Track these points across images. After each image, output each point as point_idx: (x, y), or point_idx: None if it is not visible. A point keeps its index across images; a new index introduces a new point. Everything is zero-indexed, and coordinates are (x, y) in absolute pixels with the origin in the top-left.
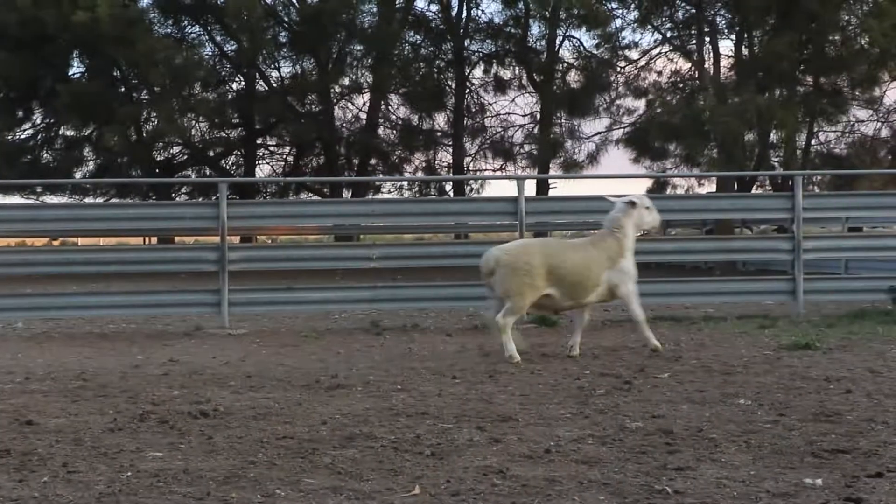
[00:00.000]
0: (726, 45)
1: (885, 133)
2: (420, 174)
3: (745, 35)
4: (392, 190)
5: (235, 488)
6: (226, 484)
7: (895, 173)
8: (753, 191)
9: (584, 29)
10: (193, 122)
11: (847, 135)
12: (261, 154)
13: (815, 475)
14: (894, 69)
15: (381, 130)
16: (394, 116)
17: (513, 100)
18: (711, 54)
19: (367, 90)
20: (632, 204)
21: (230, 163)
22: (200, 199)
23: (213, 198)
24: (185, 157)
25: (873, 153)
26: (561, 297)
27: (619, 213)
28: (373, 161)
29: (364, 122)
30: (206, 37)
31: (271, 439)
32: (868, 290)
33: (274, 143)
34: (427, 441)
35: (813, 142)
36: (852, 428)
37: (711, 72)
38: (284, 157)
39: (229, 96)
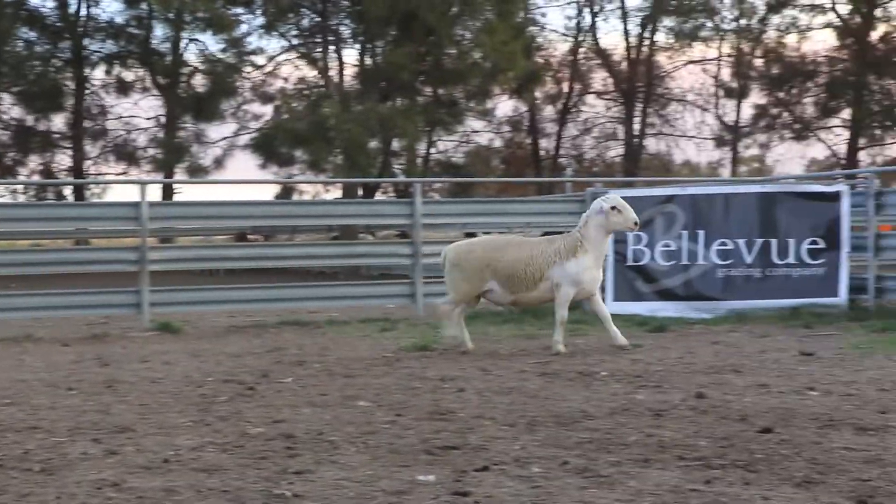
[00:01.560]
0: (351, 55)
1: (497, 143)
2: (36, 177)
3: (369, 45)
4: (5, 194)
5: None
6: None
7: (508, 181)
8: (377, 197)
9: (209, 33)
10: None
11: (464, 144)
12: None
13: (428, 472)
14: (505, 83)
15: None
16: (6, 116)
17: (136, 102)
18: (337, 63)
19: None
20: (599, 206)
21: None
22: None
23: None
24: None
25: (487, 162)
26: (502, 292)
27: (586, 213)
28: None
29: None
30: None
31: None
32: None
33: None
34: (37, 456)
35: (432, 150)
36: (463, 425)
37: (336, 80)
38: None
39: None
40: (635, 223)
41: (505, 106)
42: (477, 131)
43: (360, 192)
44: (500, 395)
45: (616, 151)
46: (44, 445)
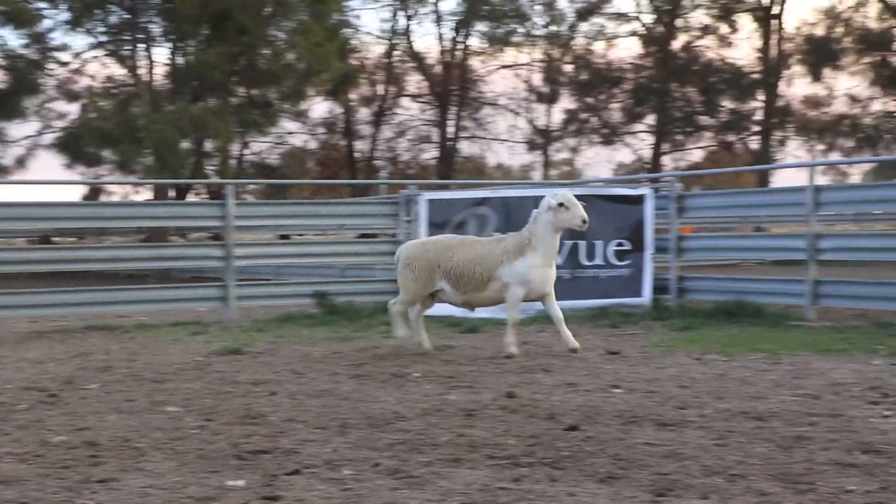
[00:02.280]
0: (161, 53)
1: (312, 145)
2: None
3: (180, 44)
4: None
5: None
6: None
7: (323, 183)
8: (189, 199)
9: (10, 27)
10: None
11: (278, 146)
12: None
13: (238, 476)
14: (320, 84)
15: None
16: None
17: None
18: (147, 61)
19: None
20: (547, 203)
21: None
22: None
23: None
24: None
25: (302, 163)
26: (453, 292)
27: (535, 210)
28: None
29: None
30: None
31: None
32: (296, 295)
33: None
34: None
35: (246, 151)
36: (275, 429)
37: (146, 78)
38: None
39: None
40: (584, 220)
41: (320, 108)
42: (292, 133)
43: (172, 193)
44: (313, 398)
45: (431, 154)
46: None
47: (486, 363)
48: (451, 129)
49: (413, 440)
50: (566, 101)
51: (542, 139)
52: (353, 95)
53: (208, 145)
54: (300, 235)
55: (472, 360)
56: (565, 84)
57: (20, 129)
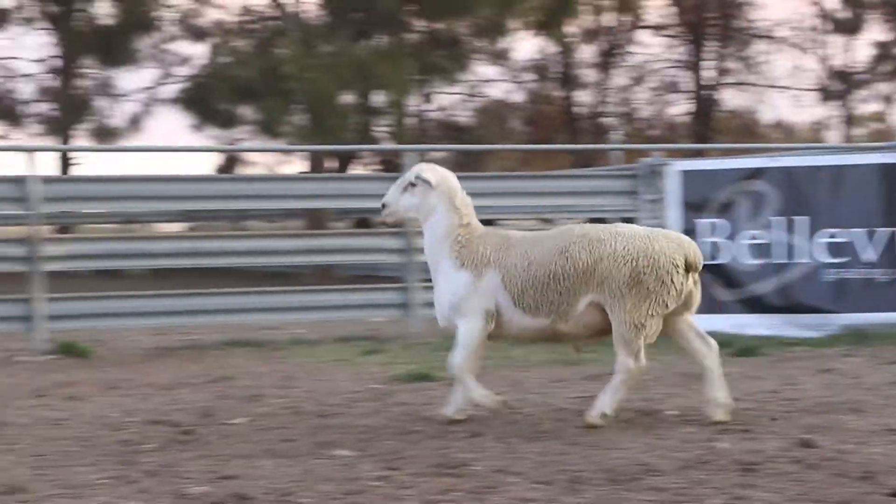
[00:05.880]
0: None
1: (518, 97)
2: None
3: None
4: None
5: None
6: None
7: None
8: (354, 171)
9: None
10: None
11: (471, 98)
12: None
13: None
14: (525, 14)
15: None
16: None
17: (16, 38)
18: None
19: None
20: None
21: None
22: None
23: None
24: None
25: (504, 123)
26: None
27: None
28: None
29: None
30: None
31: None
32: None
33: None
34: None
35: (428, 106)
36: (481, 482)
37: (295, 9)
38: None
39: None
40: None
41: (527, 47)
42: (489, 81)
43: (332, 163)
44: (529, 443)
45: (681, 108)
46: None
47: (768, 398)
48: (709, 74)
49: (671, 502)
50: (876, 31)
51: (840, 85)
52: (571, 29)
53: (378, 99)
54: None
55: (749, 395)
56: (875, 6)
57: (133, 80)
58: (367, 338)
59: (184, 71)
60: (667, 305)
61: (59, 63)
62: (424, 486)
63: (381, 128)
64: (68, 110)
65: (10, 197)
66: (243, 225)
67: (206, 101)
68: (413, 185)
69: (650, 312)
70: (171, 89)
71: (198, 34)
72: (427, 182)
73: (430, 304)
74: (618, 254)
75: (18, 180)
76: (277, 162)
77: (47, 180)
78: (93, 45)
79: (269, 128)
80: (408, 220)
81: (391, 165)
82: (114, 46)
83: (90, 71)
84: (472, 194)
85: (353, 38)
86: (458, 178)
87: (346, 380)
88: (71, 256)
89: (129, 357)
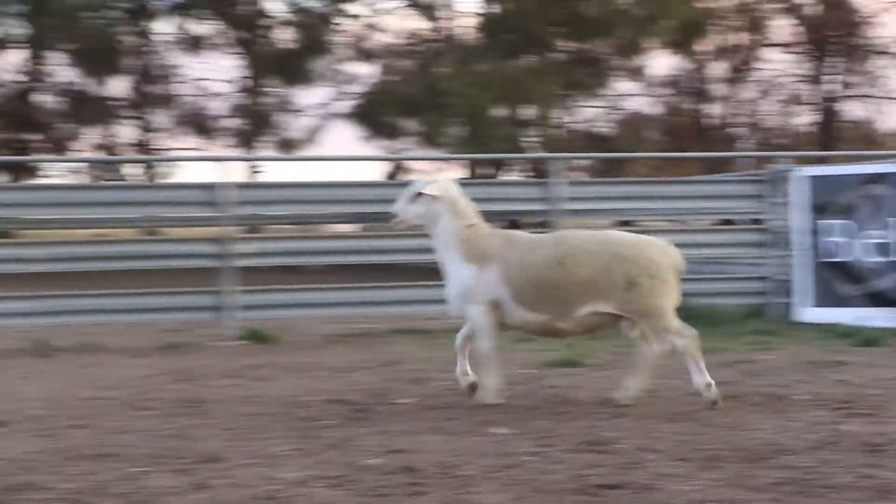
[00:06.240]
0: (471, 2)
1: (653, 109)
2: (91, 154)
3: None
4: (59, 173)
5: None
6: None
7: (668, 156)
8: (504, 177)
9: None
10: None
11: (612, 111)
12: None
13: None
14: (661, 34)
15: (40, 97)
16: (57, 80)
17: (211, 62)
18: (454, 12)
19: (21, 45)
20: None
21: None
22: None
23: None
24: None
25: (641, 132)
26: None
27: None
28: (31, 136)
29: (18, 86)
30: None
31: None
32: None
33: None
34: (113, 489)
35: (571, 119)
36: (624, 459)
37: (453, 33)
38: None
39: None
40: None
41: (662, 63)
42: (627, 95)
43: (485, 170)
44: (669, 423)
45: (806, 118)
46: (120, 476)
47: (890, 385)
48: (831, 87)
49: (801, 480)
50: None
51: None
52: (703, 47)
53: (527, 112)
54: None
55: (873, 381)
56: None
57: (310, 97)
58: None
59: (355, 89)
60: (671, 296)
61: (246, 83)
62: (573, 461)
63: (529, 138)
64: (254, 124)
65: (203, 201)
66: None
67: (374, 115)
68: (419, 195)
69: (661, 301)
70: (343, 105)
71: (367, 56)
72: (428, 194)
73: None
74: (610, 266)
75: (210, 186)
76: (437, 169)
77: (236, 186)
78: (276, 67)
79: (430, 138)
80: (416, 226)
81: (539, 172)
82: (294, 68)
83: (273, 89)
84: (613, 198)
85: (505, 58)
86: (599, 183)
87: (504, 363)
88: (258, 254)
89: (309, 343)
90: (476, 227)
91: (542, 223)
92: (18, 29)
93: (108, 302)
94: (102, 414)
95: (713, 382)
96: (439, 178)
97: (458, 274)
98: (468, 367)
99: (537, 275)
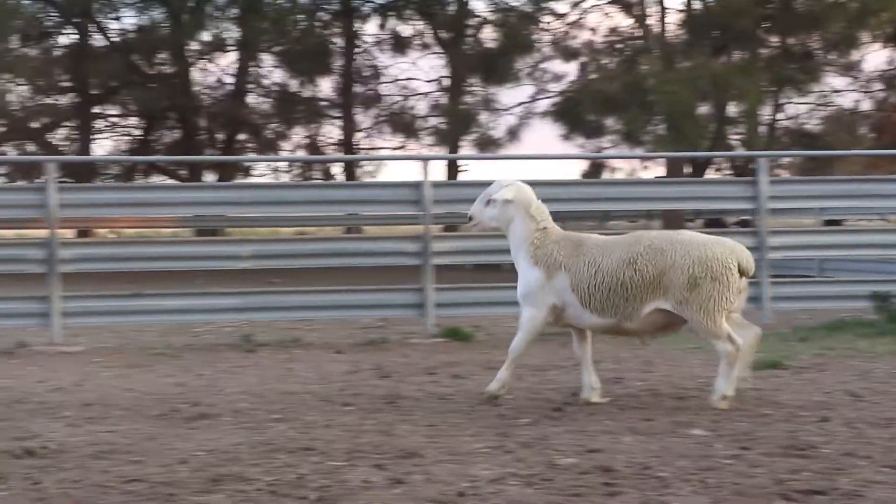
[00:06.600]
0: None
1: (866, 105)
2: (301, 153)
3: None
4: (266, 172)
5: None
6: None
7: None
8: (709, 175)
9: None
10: (10, 84)
11: (821, 108)
12: (99, 126)
13: None
14: (877, 28)
15: (250, 98)
16: (267, 81)
17: (414, 62)
18: (657, 8)
19: (232, 48)
20: None
21: (60, 137)
22: (22, 183)
23: (39, 181)
24: (1, 129)
25: (852, 130)
26: None
27: None
28: (241, 136)
29: (229, 87)
30: None
31: (117, 483)
32: (847, 297)
33: (116, 113)
34: (312, 483)
35: (779, 116)
36: (830, 464)
37: (657, 30)
38: (129, 130)
39: (57, 53)
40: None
41: (876, 58)
42: (838, 91)
43: (689, 169)
44: (878, 428)
45: None
46: (319, 470)
47: None
48: None
49: None
50: None
51: None
52: None
53: (732, 109)
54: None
55: None
56: None
57: (512, 96)
58: None
59: (556, 87)
60: (729, 301)
61: (449, 82)
62: (775, 466)
63: (734, 136)
64: (456, 124)
65: (408, 199)
66: (606, 226)
67: (575, 113)
68: (493, 199)
69: (717, 308)
70: (544, 104)
71: (569, 54)
72: (504, 198)
73: (780, 298)
74: (677, 264)
75: (417, 185)
76: (638, 167)
77: (438, 185)
78: (478, 66)
79: (631, 137)
80: (491, 229)
81: (743, 170)
82: (496, 67)
83: (475, 89)
84: (823, 196)
85: (710, 54)
86: (806, 181)
87: (700, 366)
88: (455, 252)
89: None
90: (548, 231)
91: (745, 222)
92: (231, 32)
93: (311, 299)
94: (303, 408)
95: (732, 396)
96: (515, 181)
97: (526, 276)
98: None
99: (609, 277)
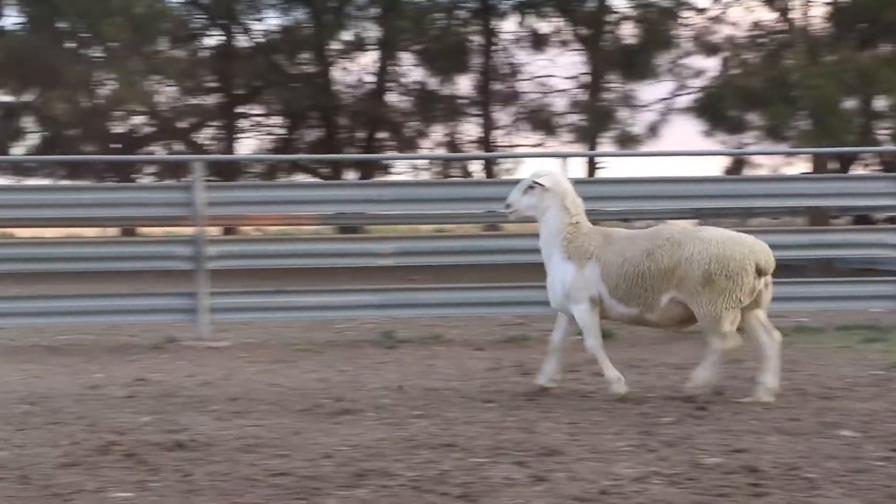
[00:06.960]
0: None
1: None
2: (440, 151)
3: None
4: (406, 170)
5: None
6: None
7: None
8: (854, 171)
9: None
10: (159, 86)
11: None
12: (243, 126)
13: None
14: None
15: (390, 97)
16: (406, 80)
17: (553, 59)
18: (801, 2)
19: (373, 47)
20: None
21: (206, 137)
22: (170, 182)
23: (186, 180)
24: (151, 129)
25: None
26: None
27: None
28: (381, 135)
29: (370, 86)
30: None
31: (263, 476)
32: None
33: (259, 113)
34: (454, 479)
35: None
36: None
37: (802, 23)
38: (272, 129)
39: (203, 55)
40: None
41: None
42: None
43: (835, 165)
44: None
45: None
46: (462, 466)
47: None
48: None
49: None
50: None
51: None
52: None
53: (880, 103)
54: None
55: None
56: None
57: (651, 92)
58: (866, 327)
59: (697, 82)
60: (740, 300)
61: (587, 79)
62: None
63: (882, 130)
64: (595, 120)
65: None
66: (748, 222)
67: (716, 109)
68: (531, 187)
69: (725, 306)
70: (685, 99)
71: (710, 49)
72: (542, 185)
73: None
74: (693, 258)
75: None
76: (782, 164)
77: (576, 182)
78: (617, 62)
79: (774, 132)
80: (527, 218)
81: (891, 166)
82: (636, 63)
83: (614, 85)
84: None
85: (857, 48)
86: None
87: (846, 365)
88: None
89: (646, 340)
90: (580, 224)
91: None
92: (371, 32)
93: (452, 296)
94: (445, 404)
95: (708, 387)
96: (552, 170)
97: (559, 271)
98: (554, 370)
99: (632, 268)
